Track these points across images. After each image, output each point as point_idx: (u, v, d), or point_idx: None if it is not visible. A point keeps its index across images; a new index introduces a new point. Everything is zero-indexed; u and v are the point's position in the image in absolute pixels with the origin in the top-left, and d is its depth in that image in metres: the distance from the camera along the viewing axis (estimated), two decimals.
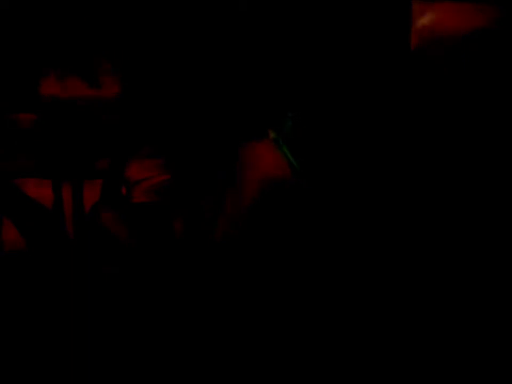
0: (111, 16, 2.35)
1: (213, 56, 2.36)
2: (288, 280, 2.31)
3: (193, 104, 2.37)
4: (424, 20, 2.30)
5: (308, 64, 2.37)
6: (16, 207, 2.37)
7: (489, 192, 2.29)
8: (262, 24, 2.36)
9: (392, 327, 2.27)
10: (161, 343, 2.28)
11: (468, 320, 2.25)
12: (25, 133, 2.37)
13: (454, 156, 2.30)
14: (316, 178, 2.35)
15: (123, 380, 2.25)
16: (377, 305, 2.29)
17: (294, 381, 2.24)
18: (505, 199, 2.28)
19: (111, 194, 2.37)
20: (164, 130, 2.37)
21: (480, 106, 2.29)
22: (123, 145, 2.37)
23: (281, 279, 2.31)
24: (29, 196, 2.37)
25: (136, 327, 2.29)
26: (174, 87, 2.37)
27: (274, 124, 2.36)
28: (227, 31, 2.35)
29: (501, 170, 2.29)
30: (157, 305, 2.31)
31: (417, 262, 2.29)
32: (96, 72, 2.35)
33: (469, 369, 2.21)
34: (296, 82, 2.37)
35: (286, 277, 2.31)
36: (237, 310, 2.30)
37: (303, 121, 2.36)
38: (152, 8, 2.35)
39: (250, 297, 2.31)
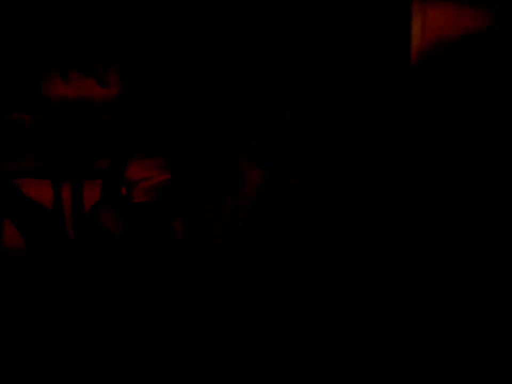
0: (113, 16, 2.35)
1: (213, 56, 2.36)
2: (288, 280, 2.31)
3: (194, 104, 2.37)
4: (424, 20, 2.30)
5: (307, 64, 2.37)
6: (16, 207, 2.37)
7: (488, 192, 2.30)
8: (262, 24, 2.36)
9: (392, 326, 2.27)
10: (161, 343, 2.28)
11: (468, 320, 2.25)
12: (25, 133, 2.37)
13: (454, 156, 2.31)
14: (315, 178, 2.35)
15: (123, 380, 2.25)
16: (377, 304, 2.29)
17: (294, 381, 2.24)
18: (505, 200, 2.28)
19: (111, 194, 2.37)
20: (164, 130, 2.37)
21: (480, 105, 2.29)
22: (123, 145, 2.37)
23: (281, 278, 2.31)
24: (29, 196, 2.36)
25: (136, 327, 2.29)
26: (174, 87, 2.37)
27: (273, 123, 2.36)
28: (227, 31, 2.35)
29: (501, 170, 2.29)
30: (157, 305, 2.31)
31: (416, 261, 2.29)
32: (97, 72, 2.35)
33: (469, 369, 2.21)
34: (295, 82, 2.37)
35: (285, 276, 2.31)
36: (236, 310, 2.30)
37: (302, 120, 2.36)
38: (153, 8, 2.35)
39: (250, 297, 2.31)
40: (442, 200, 2.31)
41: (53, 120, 2.37)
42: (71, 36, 2.35)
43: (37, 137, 2.37)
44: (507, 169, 2.29)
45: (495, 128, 2.29)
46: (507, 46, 2.28)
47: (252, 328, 2.29)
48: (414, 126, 2.32)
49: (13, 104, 2.36)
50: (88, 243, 2.35)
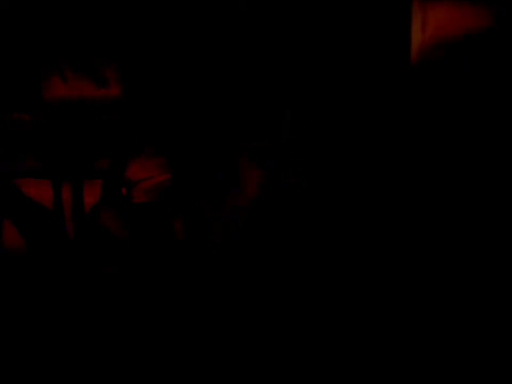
0: (113, 16, 2.35)
1: (213, 56, 2.36)
2: (288, 280, 2.31)
3: (194, 104, 2.37)
4: (424, 20, 2.30)
5: (307, 64, 2.37)
6: (16, 207, 2.37)
7: (489, 192, 2.29)
8: (262, 24, 2.36)
9: (392, 327, 2.27)
10: (161, 343, 2.28)
11: (468, 320, 2.25)
12: (25, 133, 2.37)
13: (455, 157, 2.31)
14: (315, 178, 2.35)
15: (123, 380, 2.25)
16: (377, 304, 2.29)
17: (294, 381, 2.24)
18: (505, 200, 2.28)
19: (111, 194, 2.37)
20: (164, 130, 2.37)
21: (481, 105, 2.29)
22: (123, 145, 2.37)
23: (281, 278, 2.31)
24: (29, 195, 2.37)
25: (136, 327, 2.29)
26: (174, 87, 2.37)
27: (273, 123, 2.36)
28: (227, 31, 2.35)
29: (501, 170, 2.29)
30: (157, 305, 2.31)
31: (416, 261, 2.29)
32: (97, 72, 2.35)
33: (468, 369, 2.21)
34: (295, 82, 2.37)
35: (286, 276, 2.32)
36: (236, 310, 2.30)
37: (302, 120, 2.36)
38: (153, 8, 2.35)
39: (250, 297, 2.31)
40: (443, 200, 2.31)
41: (53, 120, 2.37)
42: (71, 36, 2.35)
43: (37, 137, 2.37)
44: (508, 169, 2.29)
45: (495, 128, 2.29)
46: (508, 46, 2.28)
47: (252, 328, 2.29)
48: (414, 126, 2.32)
49: (13, 104, 2.37)
50: (88, 243, 2.35)
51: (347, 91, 2.35)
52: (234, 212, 2.34)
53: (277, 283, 2.31)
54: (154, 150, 2.37)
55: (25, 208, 2.36)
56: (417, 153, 2.31)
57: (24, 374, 2.25)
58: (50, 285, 2.33)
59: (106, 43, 2.35)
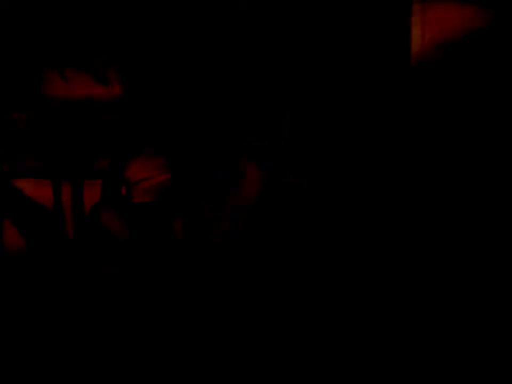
0: (113, 16, 2.35)
1: (213, 56, 2.36)
2: (288, 280, 2.31)
3: (194, 104, 2.37)
4: (424, 20, 2.30)
5: (307, 64, 2.37)
6: (16, 207, 2.37)
7: (488, 193, 2.30)
8: (262, 25, 2.36)
9: (392, 327, 2.27)
10: (161, 343, 2.28)
11: (468, 320, 2.25)
12: (25, 133, 2.37)
13: (454, 157, 2.31)
14: (315, 178, 2.35)
15: (123, 380, 2.25)
16: (377, 304, 2.29)
17: (294, 381, 2.24)
18: (505, 199, 2.28)
19: (111, 194, 2.37)
20: (164, 130, 2.37)
21: (481, 106, 2.30)
22: (123, 145, 2.37)
23: (281, 278, 2.31)
24: (29, 196, 2.36)
25: (136, 327, 2.29)
26: (174, 87, 2.37)
27: (273, 123, 2.36)
28: (227, 31, 2.35)
29: (501, 171, 2.29)
30: (157, 305, 2.31)
31: (416, 261, 2.29)
32: (97, 71, 2.35)
33: (468, 369, 2.22)
34: (295, 82, 2.37)
35: (286, 276, 2.32)
36: (236, 310, 2.30)
37: (302, 120, 2.36)
38: (153, 8, 2.35)
39: (250, 297, 2.31)
40: (442, 200, 2.31)
41: (53, 120, 2.37)
42: (71, 36, 2.35)
43: (37, 137, 2.37)
44: (507, 169, 2.29)
45: (495, 129, 2.29)
46: (507, 47, 2.28)
47: (251, 328, 2.29)
48: (414, 127, 2.32)
49: (13, 104, 2.36)
50: (88, 243, 2.35)
51: (347, 91, 2.35)
52: (234, 212, 2.34)
53: (276, 283, 2.31)
54: (154, 150, 2.37)
55: (25, 208, 2.36)
56: (417, 153, 2.32)
57: (24, 374, 2.25)
58: (50, 285, 2.33)
59: (106, 43, 2.35)
